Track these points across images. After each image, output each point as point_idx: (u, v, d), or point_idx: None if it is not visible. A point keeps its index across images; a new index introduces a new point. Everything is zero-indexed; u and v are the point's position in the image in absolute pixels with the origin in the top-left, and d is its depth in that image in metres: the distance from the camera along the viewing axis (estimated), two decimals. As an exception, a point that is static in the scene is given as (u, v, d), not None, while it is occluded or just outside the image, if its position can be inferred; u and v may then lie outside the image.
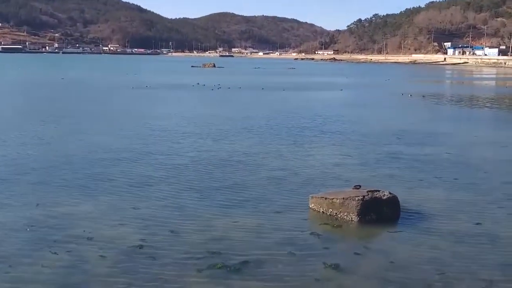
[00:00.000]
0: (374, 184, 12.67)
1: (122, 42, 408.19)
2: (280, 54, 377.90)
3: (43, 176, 13.68)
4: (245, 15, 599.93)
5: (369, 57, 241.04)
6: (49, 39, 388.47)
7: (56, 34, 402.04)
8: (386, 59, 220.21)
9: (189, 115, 27.68)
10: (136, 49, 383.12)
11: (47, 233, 9.63)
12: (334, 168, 15.37)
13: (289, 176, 14.22)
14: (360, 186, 11.54)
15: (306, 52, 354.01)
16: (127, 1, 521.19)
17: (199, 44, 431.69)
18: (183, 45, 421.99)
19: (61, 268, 8.21)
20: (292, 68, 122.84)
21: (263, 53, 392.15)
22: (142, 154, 16.82)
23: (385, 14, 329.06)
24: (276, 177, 14.07)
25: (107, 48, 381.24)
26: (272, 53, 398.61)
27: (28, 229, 9.80)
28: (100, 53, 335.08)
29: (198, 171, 14.70)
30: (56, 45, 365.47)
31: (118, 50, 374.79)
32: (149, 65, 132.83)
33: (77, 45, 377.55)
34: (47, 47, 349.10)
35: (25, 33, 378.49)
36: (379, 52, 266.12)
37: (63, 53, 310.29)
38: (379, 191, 10.90)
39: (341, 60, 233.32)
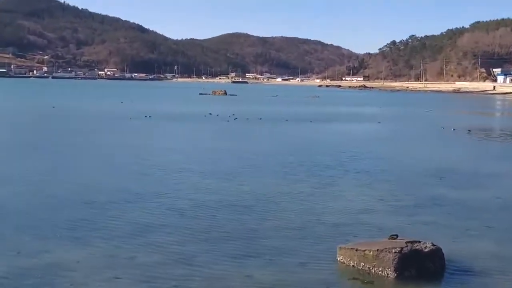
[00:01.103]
0: (413, 233, 12.60)
1: (120, 66, 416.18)
2: (301, 80, 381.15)
3: (26, 220, 13.70)
4: (261, 35, 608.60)
5: (405, 84, 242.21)
6: (38, 62, 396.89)
7: (46, 57, 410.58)
8: (425, 87, 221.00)
9: (195, 150, 28.15)
10: (136, 74, 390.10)
11: (29, 287, 9.52)
12: (364, 213, 15.38)
13: (312, 223, 14.23)
14: (397, 236, 11.43)
15: (331, 78, 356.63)
16: (127, 20, 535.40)
17: (208, 68, 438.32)
18: (190, 70, 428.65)
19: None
20: (316, 97, 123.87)
21: (282, 79, 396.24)
22: (140, 196, 16.91)
23: (423, 36, 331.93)
24: (297, 224, 14.08)
25: (103, 72, 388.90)
26: (292, 79, 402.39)
27: (6, 281, 9.70)
28: (95, 78, 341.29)
29: (205, 216, 14.74)
30: (45, 68, 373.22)
31: (115, 75, 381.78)
32: (151, 92, 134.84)
33: (69, 69, 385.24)
34: (35, 71, 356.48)
35: (10, 55, 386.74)
36: (417, 79, 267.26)
37: (53, 77, 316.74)
38: (419, 242, 10.77)
39: (372, 87, 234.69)
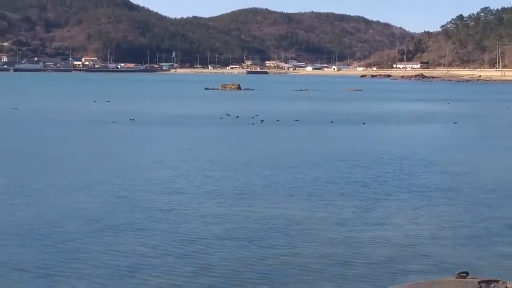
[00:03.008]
0: (488, 271, 12.62)
1: (102, 54, 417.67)
2: (338, 69, 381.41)
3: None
4: (285, 11, 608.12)
5: (476, 72, 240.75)
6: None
7: (5, 43, 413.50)
8: (504, 75, 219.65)
9: (207, 163, 28.41)
10: (122, 64, 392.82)
11: None
12: (423, 244, 15.43)
13: (354, 256, 14.36)
14: (467, 274, 11.37)
15: (378, 66, 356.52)
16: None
17: (217, 55, 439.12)
18: (192, 58, 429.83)
19: None
20: (358, 90, 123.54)
21: (313, 68, 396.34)
22: (130, 224, 17.10)
23: (500, 8, 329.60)
24: (336, 257, 14.23)
25: (80, 62, 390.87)
26: (326, 67, 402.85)
27: None
28: (70, 70, 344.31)
29: (219, 247, 14.93)
30: (4, 59, 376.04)
31: (96, 66, 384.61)
32: (142, 87, 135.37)
33: (36, 58, 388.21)
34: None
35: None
36: (492, 65, 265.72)
37: (15, 70, 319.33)
38: (497, 281, 10.72)
39: (433, 77, 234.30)
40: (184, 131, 43.51)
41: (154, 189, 21.93)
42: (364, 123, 50.05)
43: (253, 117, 53.04)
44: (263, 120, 50.63)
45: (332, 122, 51.13)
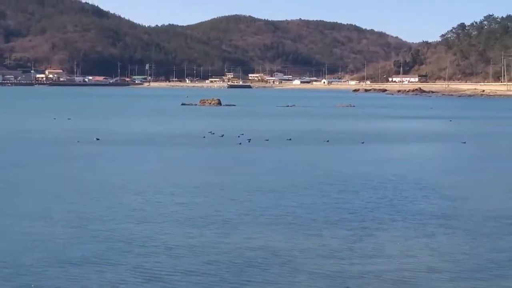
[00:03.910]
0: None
1: (68, 66, 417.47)
2: (329, 83, 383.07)
3: None
4: (270, 19, 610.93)
5: (479, 87, 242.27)
6: None
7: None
8: (509, 90, 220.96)
9: (185, 189, 28.29)
10: (91, 77, 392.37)
11: None
12: (419, 279, 15.38)
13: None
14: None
15: (373, 79, 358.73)
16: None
17: (195, 67, 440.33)
18: (168, 70, 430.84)
19: None
20: (350, 106, 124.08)
21: (301, 82, 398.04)
22: (88, 257, 16.90)
23: (505, 16, 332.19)
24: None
25: (43, 75, 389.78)
26: (316, 81, 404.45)
27: None
28: (32, 84, 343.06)
29: (188, 285, 14.85)
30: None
31: (61, 79, 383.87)
32: (111, 103, 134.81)
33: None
34: None
35: None
36: (497, 78, 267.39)
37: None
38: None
39: (432, 92, 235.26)
40: (158, 152, 43.44)
41: (117, 217, 21.83)
42: (363, 143, 50.58)
43: (239, 136, 53.35)
44: (250, 139, 50.74)
45: (328, 141, 51.24)
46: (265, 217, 22.15)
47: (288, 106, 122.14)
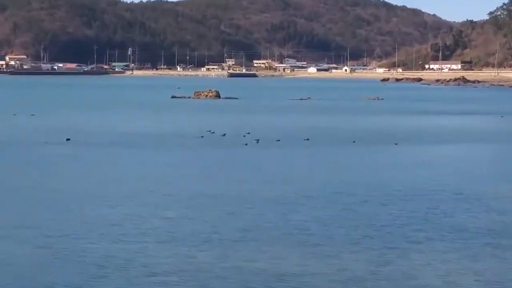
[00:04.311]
0: None
1: (33, 51, 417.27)
2: (352, 71, 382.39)
3: None
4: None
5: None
6: None
7: None
8: None
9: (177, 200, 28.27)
10: (61, 64, 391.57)
11: None
12: None
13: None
14: None
15: (405, 66, 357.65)
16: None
17: (188, 52, 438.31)
18: (155, 56, 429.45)
19: None
20: (378, 99, 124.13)
21: (317, 69, 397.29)
22: (58, 283, 17.02)
23: None
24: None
25: (3, 62, 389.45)
26: (336, 68, 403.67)
27: None
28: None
29: None
30: None
31: (25, 67, 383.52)
32: (85, 95, 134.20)
33: None
34: None
35: None
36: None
37: None
38: None
39: (478, 81, 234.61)
40: (143, 156, 43.45)
41: (91, 234, 21.81)
42: (396, 144, 50.58)
43: (244, 136, 53.68)
44: (258, 140, 50.83)
45: (354, 142, 51.32)
46: (272, 234, 22.05)
47: (302, 99, 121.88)
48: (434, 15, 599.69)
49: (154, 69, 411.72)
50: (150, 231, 22.31)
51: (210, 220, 24.11)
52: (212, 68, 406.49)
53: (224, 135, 54.27)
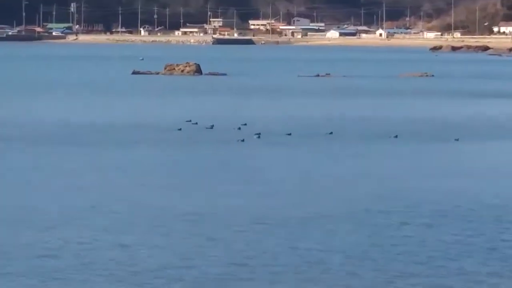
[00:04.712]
0: None
1: None
2: (389, 36, 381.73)
3: None
4: None
5: None
6: None
7: None
8: None
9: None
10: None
11: None
12: None
13: None
14: None
15: (465, 30, 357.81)
16: None
17: (156, 9, 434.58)
18: (109, 14, 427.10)
19: None
20: (427, 76, 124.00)
21: (340, 33, 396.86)
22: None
23: None
24: None
25: None
26: (367, 32, 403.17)
27: None
28: None
29: None
30: None
31: None
32: (9, 70, 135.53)
33: None
34: None
35: None
36: None
37: None
38: None
39: None
40: (92, 156, 42.92)
41: (11, 270, 19.36)
42: (457, 139, 50.71)
43: (239, 128, 53.23)
44: (259, 134, 49.92)
45: (396, 136, 50.80)
46: (272, 270, 19.95)
47: (318, 75, 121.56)
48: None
49: (108, 33, 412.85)
50: (95, 265, 20.04)
51: (182, 249, 22.12)
52: (191, 32, 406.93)
53: (211, 127, 53.52)
